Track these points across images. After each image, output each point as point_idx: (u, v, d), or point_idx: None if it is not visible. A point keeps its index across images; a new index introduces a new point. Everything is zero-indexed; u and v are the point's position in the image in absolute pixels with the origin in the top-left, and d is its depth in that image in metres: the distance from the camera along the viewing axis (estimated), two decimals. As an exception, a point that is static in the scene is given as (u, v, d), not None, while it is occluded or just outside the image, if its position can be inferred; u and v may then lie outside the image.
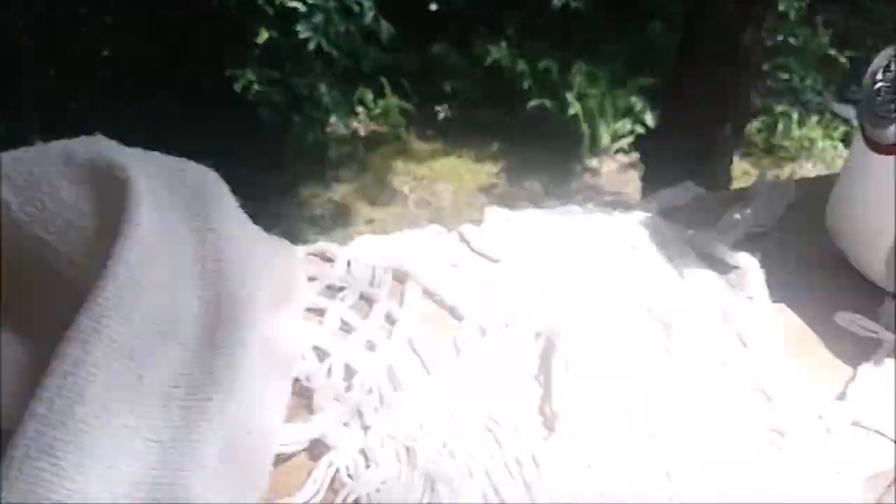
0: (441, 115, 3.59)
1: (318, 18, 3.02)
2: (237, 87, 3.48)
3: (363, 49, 3.21)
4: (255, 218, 0.37)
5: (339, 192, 3.34)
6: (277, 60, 3.39)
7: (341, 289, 0.41)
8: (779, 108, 3.24)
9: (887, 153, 0.39)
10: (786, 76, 3.33)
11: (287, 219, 3.03)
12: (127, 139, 0.34)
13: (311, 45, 3.08)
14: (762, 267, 0.42)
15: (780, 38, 3.19)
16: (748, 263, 0.42)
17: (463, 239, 0.46)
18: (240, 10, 3.49)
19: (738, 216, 0.48)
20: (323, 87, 3.07)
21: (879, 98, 0.38)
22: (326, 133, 3.39)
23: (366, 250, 0.44)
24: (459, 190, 3.37)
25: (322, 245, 0.44)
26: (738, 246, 0.46)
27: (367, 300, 0.40)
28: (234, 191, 0.35)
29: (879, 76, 0.39)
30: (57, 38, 3.12)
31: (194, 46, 3.48)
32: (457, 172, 3.48)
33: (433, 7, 3.60)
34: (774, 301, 0.41)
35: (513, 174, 3.47)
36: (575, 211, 0.49)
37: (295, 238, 0.43)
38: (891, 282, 0.41)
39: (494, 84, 3.53)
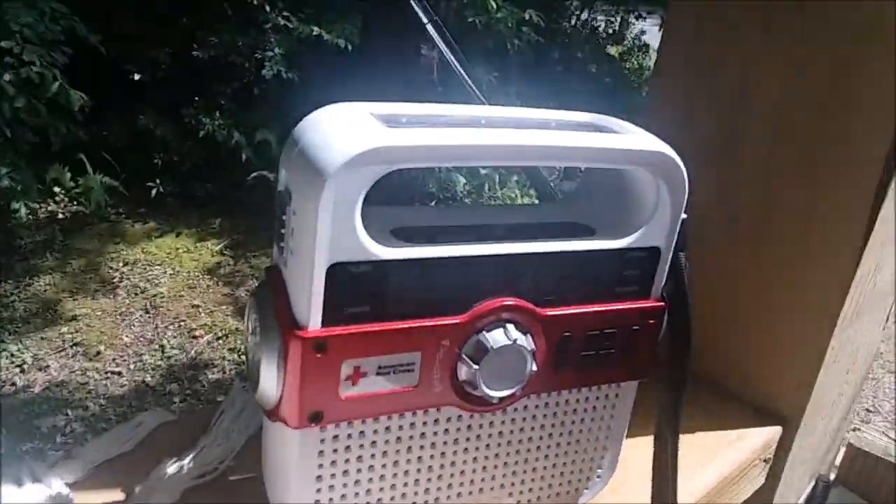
0: (154, 192, 3.30)
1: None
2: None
3: (51, 124, 2.84)
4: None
5: (37, 285, 2.92)
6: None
7: None
8: (483, 171, 3.42)
9: (268, 416, 0.31)
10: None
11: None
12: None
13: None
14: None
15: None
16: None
17: None
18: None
19: (173, 469, 0.37)
20: (2, 169, 2.68)
21: (252, 355, 0.31)
22: (15, 219, 2.96)
23: None
24: (179, 273, 3.10)
25: None
26: None
27: None
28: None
29: (250, 327, 0.31)
30: None
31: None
32: (175, 254, 3.20)
33: (136, 77, 3.34)
34: None
35: (239, 251, 3.28)
36: None
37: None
38: None
39: (211, 156, 3.33)
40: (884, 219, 0.47)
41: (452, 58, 0.44)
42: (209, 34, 3.40)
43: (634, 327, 0.35)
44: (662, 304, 0.36)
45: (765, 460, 0.51)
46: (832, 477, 0.65)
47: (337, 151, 0.26)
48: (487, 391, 0.32)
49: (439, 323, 0.30)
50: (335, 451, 0.31)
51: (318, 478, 0.31)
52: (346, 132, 0.27)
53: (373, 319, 0.29)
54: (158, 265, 3.12)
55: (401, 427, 0.32)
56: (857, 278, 0.48)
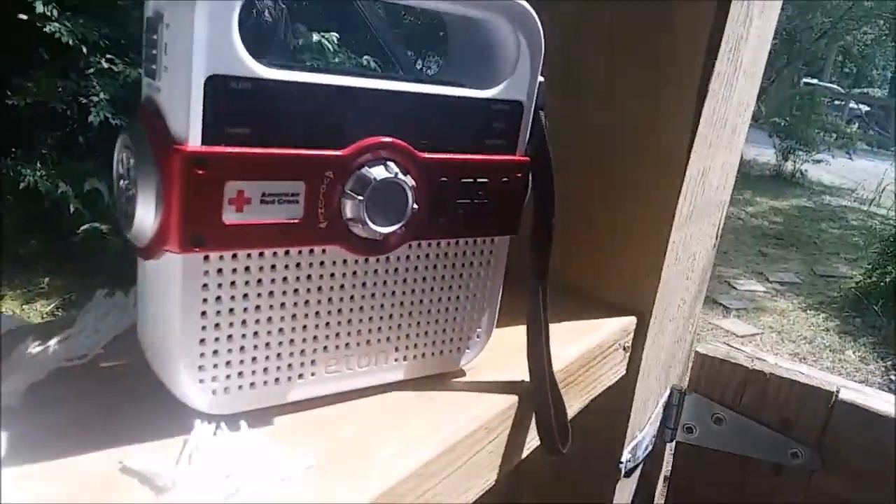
0: (-28, 246, 3.00)
1: None
2: None
3: None
4: None
5: None
6: None
7: None
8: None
9: (145, 257, 0.30)
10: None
11: None
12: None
13: None
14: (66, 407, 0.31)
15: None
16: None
17: None
18: None
19: (37, 349, 0.36)
20: None
21: (123, 197, 0.30)
22: None
23: None
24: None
25: None
26: (36, 389, 0.33)
27: None
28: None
29: (119, 171, 0.30)
30: None
31: None
32: (-1, 309, 2.92)
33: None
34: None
35: (74, 311, 3.02)
36: None
37: None
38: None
39: (35, 209, 3.08)
40: (706, 118, 0.53)
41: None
42: (25, 80, 3.18)
43: (504, 179, 0.37)
44: (527, 158, 0.38)
45: (624, 348, 0.55)
46: (684, 387, 0.70)
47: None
48: (372, 225, 0.32)
49: (321, 153, 0.31)
50: (219, 285, 0.31)
51: (203, 314, 0.30)
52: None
53: (254, 143, 0.29)
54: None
55: (286, 266, 0.32)
56: (687, 178, 0.54)
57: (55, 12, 3.17)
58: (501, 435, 0.39)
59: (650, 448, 0.66)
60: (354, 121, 0.32)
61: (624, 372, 0.56)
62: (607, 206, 0.56)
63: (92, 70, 3.28)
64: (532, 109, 0.38)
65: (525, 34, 0.36)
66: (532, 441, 0.42)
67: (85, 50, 3.19)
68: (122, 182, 0.30)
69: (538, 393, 0.40)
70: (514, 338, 0.42)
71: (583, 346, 0.49)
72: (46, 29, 3.11)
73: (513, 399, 0.40)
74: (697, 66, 0.51)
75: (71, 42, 3.18)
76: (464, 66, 0.39)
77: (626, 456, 0.60)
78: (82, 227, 3.07)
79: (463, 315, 0.39)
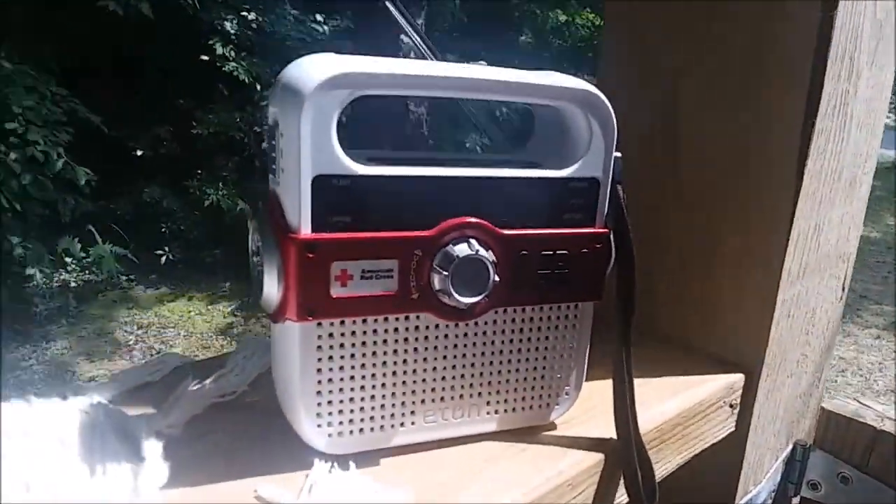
0: (163, 259, 3.40)
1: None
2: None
3: (59, 197, 2.98)
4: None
5: (53, 349, 2.97)
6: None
7: None
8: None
9: (274, 320, 0.37)
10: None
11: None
12: None
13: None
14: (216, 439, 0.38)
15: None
16: (151, 453, 0.37)
17: None
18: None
19: (196, 387, 0.43)
20: (15, 240, 2.78)
21: (255, 270, 0.37)
22: (29, 287, 3.05)
23: None
24: (192, 334, 3.16)
25: None
26: (193, 421, 0.41)
27: None
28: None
29: (252, 248, 0.37)
30: None
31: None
32: (188, 316, 3.27)
33: (139, 153, 3.51)
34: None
35: (250, 312, 3.35)
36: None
37: None
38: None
39: (216, 224, 3.45)
40: (812, 174, 0.53)
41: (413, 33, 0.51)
42: (207, 113, 3.57)
43: (583, 250, 0.41)
44: (606, 230, 0.41)
45: (731, 405, 0.56)
46: (810, 443, 0.69)
47: (312, 77, 0.33)
48: (457, 296, 0.37)
49: (410, 235, 0.36)
50: (331, 347, 0.36)
51: (318, 370, 0.36)
52: (319, 66, 0.34)
53: (354, 229, 0.35)
54: (172, 327, 3.19)
55: (386, 330, 0.37)
56: (795, 235, 0.54)
57: (232, 53, 3.54)
58: (586, 491, 0.42)
59: (769, 503, 0.65)
60: (441, 204, 0.37)
61: (733, 428, 0.57)
62: (714, 262, 0.57)
63: (265, 103, 3.63)
64: (609, 184, 0.41)
65: (596, 116, 0.39)
66: (621, 499, 0.44)
67: (259, 87, 3.52)
68: (254, 258, 0.37)
69: (625, 453, 0.43)
70: (608, 391, 0.44)
71: (682, 403, 0.50)
72: (225, 68, 3.48)
73: (599, 457, 0.42)
74: (796, 125, 0.51)
75: (247, 79, 3.53)
76: (545, 144, 0.43)
77: (737, 510, 0.60)
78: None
79: (550, 373, 0.43)
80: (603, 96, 0.40)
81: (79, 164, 2.94)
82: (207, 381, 0.43)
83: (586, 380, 0.44)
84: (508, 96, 0.38)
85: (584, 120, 0.40)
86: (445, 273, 0.37)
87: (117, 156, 3.47)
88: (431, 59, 0.52)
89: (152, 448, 0.36)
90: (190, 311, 3.27)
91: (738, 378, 0.56)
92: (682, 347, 0.58)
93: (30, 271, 2.91)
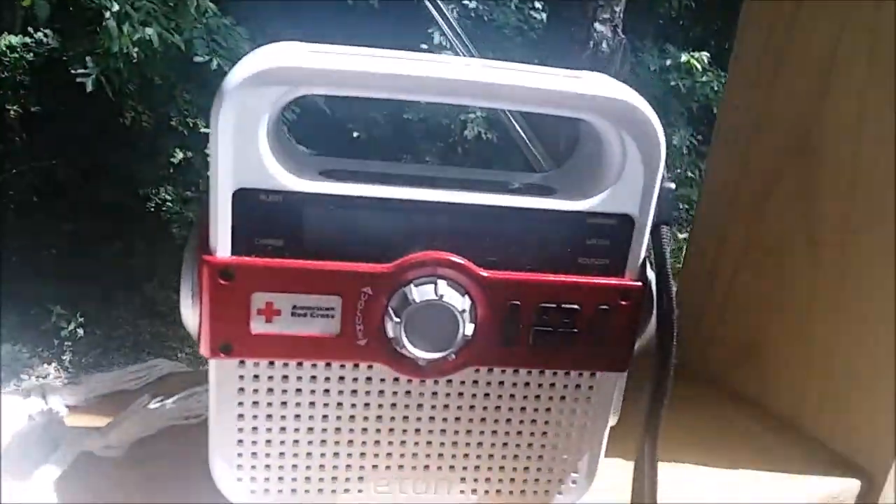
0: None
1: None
2: (150, 205, 3.48)
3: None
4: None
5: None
6: (191, 179, 3.41)
7: None
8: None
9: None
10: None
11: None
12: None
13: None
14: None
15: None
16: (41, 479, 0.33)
17: None
18: (154, 129, 3.52)
19: (155, 406, 0.39)
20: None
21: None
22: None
23: None
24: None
25: None
26: (144, 443, 0.37)
27: None
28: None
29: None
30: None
31: (109, 165, 3.49)
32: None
33: (356, 134, 3.72)
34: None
35: None
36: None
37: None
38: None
39: None
40: None
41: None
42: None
43: (603, 307, 0.31)
44: (639, 283, 0.32)
45: (837, 519, 0.43)
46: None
47: (238, 72, 0.27)
48: (411, 349, 0.30)
49: (360, 268, 0.29)
50: (256, 391, 0.31)
51: (240, 416, 0.31)
52: (256, 58, 0.28)
53: (288, 255, 0.29)
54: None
55: (328, 378, 0.31)
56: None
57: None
58: None
59: None
60: (407, 233, 0.30)
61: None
62: (838, 346, 0.44)
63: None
64: (648, 223, 0.31)
65: (633, 135, 0.30)
66: None
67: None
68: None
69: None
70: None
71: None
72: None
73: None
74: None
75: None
76: (564, 170, 0.34)
77: None
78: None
79: (552, 453, 0.34)
80: (646, 107, 0.30)
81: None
82: (170, 400, 0.39)
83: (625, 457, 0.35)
84: (503, 103, 0.30)
85: (617, 138, 0.30)
86: (397, 320, 0.29)
87: (336, 135, 3.75)
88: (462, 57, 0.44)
89: (45, 474, 0.33)
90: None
91: (852, 484, 0.43)
92: (786, 427, 0.46)
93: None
